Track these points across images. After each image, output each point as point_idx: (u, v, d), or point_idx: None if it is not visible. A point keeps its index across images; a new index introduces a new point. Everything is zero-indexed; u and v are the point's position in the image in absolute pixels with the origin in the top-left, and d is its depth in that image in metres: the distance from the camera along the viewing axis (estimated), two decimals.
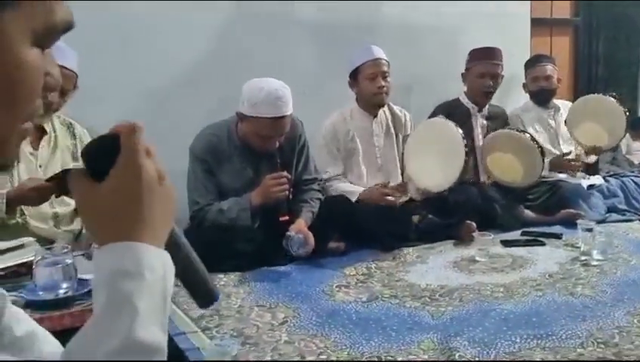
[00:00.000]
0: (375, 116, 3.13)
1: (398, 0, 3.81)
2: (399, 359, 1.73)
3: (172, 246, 0.60)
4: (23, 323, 0.64)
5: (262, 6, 3.41)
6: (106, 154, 0.58)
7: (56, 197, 2.28)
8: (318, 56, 3.61)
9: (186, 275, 0.63)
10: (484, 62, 3.36)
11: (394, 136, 3.19)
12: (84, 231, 2.56)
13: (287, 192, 2.53)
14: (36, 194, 2.13)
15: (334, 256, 2.77)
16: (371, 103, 3.07)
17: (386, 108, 3.17)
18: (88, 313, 1.48)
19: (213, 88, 3.28)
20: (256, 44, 3.40)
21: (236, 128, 2.60)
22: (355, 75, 3.04)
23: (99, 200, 0.58)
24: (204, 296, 0.65)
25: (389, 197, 2.82)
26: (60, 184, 2.11)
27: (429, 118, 3.39)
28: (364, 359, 1.75)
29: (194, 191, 2.60)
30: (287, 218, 2.57)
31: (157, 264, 0.56)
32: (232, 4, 3.41)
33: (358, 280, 2.49)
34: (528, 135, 3.23)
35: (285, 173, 2.54)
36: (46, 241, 2.27)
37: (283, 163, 2.63)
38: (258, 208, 2.55)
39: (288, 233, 2.53)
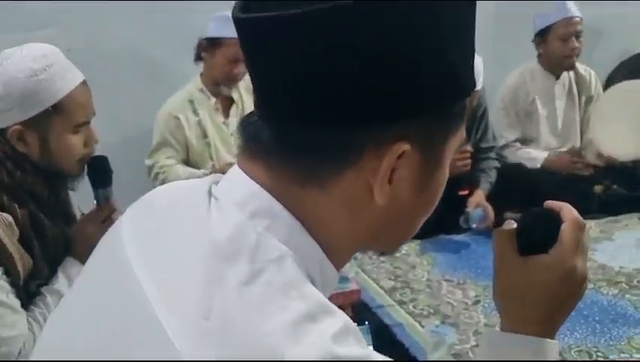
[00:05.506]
0: (558, 77, 2.93)
1: None
2: (611, 357, 1.71)
3: None
4: None
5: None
6: (544, 230, 0.60)
7: None
8: (493, 17, 3.38)
9: None
10: None
11: (576, 98, 2.97)
12: None
13: (469, 166, 2.50)
14: None
15: None
16: (560, 66, 2.85)
17: None
18: None
19: None
20: None
21: None
22: (543, 34, 2.81)
23: (519, 276, 0.61)
24: None
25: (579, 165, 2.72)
26: None
27: (612, 73, 3.10)
28: (572, 352, 1.74)
29: None
30: (466, 192, 2.55)
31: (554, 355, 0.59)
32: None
33: None
34: None
35: (469, 148, 2.50)
36: None
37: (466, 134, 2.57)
38: None
39: (467, 209, 2.52)
